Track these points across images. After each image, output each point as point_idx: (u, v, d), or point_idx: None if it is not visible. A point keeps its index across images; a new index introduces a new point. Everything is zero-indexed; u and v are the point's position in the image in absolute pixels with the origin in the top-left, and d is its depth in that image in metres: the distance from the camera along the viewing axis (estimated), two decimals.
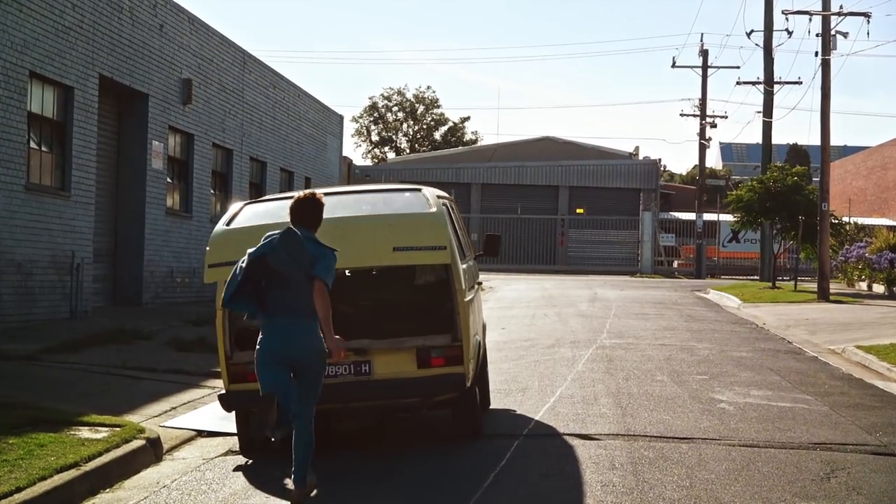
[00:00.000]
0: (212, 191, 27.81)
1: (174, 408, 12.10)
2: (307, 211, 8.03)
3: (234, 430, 10.90)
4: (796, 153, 77.15)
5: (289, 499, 8.04)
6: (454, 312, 9.48)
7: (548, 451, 9.61)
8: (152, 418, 11.38)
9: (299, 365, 7.86)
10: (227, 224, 9.77)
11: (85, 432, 9.81)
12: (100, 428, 10.03)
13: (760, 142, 43.13)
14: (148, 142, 23.54)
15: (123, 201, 23.33)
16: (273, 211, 9.82)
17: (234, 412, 9.76)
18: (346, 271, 9.66)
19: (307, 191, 8.31)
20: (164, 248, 24.58)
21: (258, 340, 7.96)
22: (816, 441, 10.17)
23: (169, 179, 25.09)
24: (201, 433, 10.93)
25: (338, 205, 9.61)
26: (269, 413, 7.69)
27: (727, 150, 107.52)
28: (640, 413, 11.46)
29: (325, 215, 8.22)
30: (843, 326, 21.88)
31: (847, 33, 30.87)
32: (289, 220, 8.09)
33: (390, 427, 10.60)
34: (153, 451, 9.81)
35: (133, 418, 11.04)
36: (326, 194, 8.71)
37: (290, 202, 8.15)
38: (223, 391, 9.51)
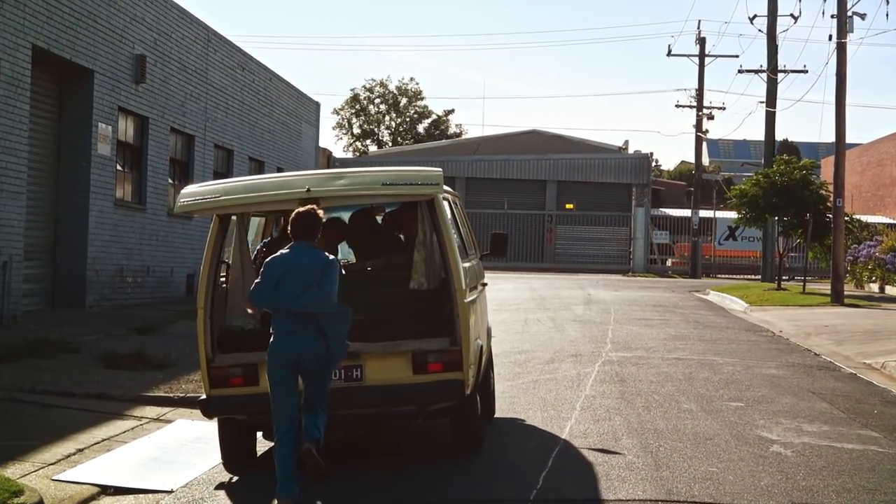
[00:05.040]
0: (170, 180, 25.15)
1: (81, 449, 9.47)
2: (307, 224, 7.90)
3: (150, 486, 8.43)
4: (787, 149, 75.17)
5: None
6: (453, 313, 8.76)
7: None
8: (47, 466, 8.76)
9: (306, 367, 7.83)
10: None
11: None
12: None
13: (748, 138, 41.20)
14: (93, 124, 20.85)
15: (64, 191, 20.60)
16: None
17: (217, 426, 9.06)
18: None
19: (308, 205, 8.07)
20: (113, 243, 21.91)
21: (269, 347, 7.88)
22: None
23: (119, 167, 22.44)
24: (106, 490, 8.27)
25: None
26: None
27: (714, 146, 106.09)
28: (676, 462, 8.93)
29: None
30: (871, 335, 19.76)
31: (864, 14, 28.57)
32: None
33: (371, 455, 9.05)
34: None
35: (18, 469, 8.44)
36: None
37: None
38: (204, 396, 8.79)
